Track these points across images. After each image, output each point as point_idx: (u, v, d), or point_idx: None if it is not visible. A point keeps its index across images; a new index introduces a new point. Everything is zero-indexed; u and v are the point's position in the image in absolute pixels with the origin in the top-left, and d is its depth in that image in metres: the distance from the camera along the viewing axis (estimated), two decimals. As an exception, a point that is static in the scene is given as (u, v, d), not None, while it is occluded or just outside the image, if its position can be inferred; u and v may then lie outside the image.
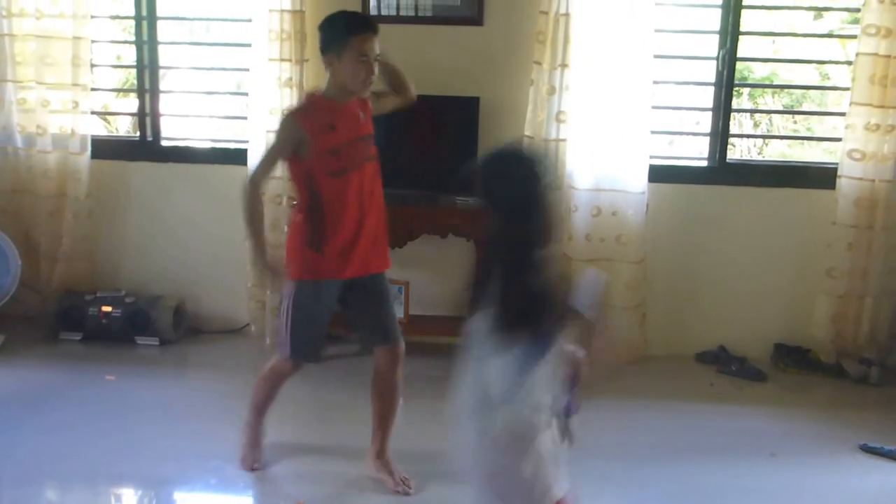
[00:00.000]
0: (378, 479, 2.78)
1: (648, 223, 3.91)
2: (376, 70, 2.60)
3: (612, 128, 3.81)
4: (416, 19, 3.98)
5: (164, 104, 4.33)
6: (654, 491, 2.84)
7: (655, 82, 3.85)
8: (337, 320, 2.84)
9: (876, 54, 3.68)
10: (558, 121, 3.80)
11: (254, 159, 3.96)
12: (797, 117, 5.85)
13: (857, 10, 3.83)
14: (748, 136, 5.74)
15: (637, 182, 3.84)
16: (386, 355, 2.78)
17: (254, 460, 2.84)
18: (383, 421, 2.81)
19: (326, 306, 2.70)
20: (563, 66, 3.74)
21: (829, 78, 5.32)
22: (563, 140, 3.82)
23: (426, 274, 4.15)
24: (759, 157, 5.66)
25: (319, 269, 2.65)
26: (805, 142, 5.66)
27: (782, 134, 5.85)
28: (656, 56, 3.79)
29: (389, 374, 2.80)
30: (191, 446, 3.02)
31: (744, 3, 3.91)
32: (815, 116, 5.61)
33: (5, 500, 2.71)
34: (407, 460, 2.89)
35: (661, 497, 2.81)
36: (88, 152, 4.14)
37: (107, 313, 4.03)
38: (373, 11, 3.96)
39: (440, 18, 3.97)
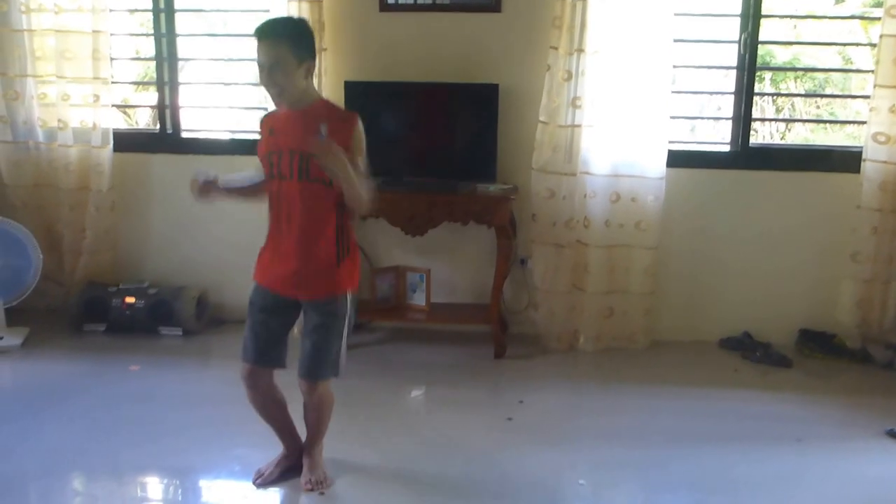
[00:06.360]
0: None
1: (671, 209, 3.90)
2: (270, 80, 2.40)
3: (630, 113, 3.79)
4: (433, 7, 3.97)
5: (184, 96, 4.35)
6: (677, 476, 2.82)
7: (675, 67, 3.82)
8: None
9: (900, 36, 3.63)
10: (574, 106, 3.78)
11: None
12: (820, 101, 5.77)
13: (881, -8, 3.77)
14: (771, 120, 5.68)
15: (656, 167, 3.82)
16: (300, 384, 2.64)
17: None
18: (308, 429, 2.73)
19: (261, 311, 2.61)
20: (580, 50, 3.72)
21: (851, 61, 5.25)
22: (579, 126, 3.80)
23: (447, 261, 4.16)
24: (782, 142, 5.60)
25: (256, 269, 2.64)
26: (828, 126, 5.60)
27: (805, 118, 5.77)
28: (676, 40, 3.75)
29: (305, 400, 2.66)
30: (214, 435, 3.05)
31: (765, -14, 3.87)
32: (838, 100, 5.54)
33: (32, 490, 2.74)
34: (423, 447, 2.92)
35: (685, 482, 2.79)
36: (110, 145, 4.18)
37: (130, 304, 4.06)
38: (390, 0, 3.95)
39: (458, 5, 3.95)
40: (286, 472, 2.74)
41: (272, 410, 2.71)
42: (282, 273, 2.55)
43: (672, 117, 3.84)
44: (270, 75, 2.40)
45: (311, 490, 2.64)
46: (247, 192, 2.69)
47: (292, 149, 2.46)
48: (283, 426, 2.76)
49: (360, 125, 2.50)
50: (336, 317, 2.57)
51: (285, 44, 2.39)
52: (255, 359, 2.60)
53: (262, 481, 2.71)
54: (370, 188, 2.48)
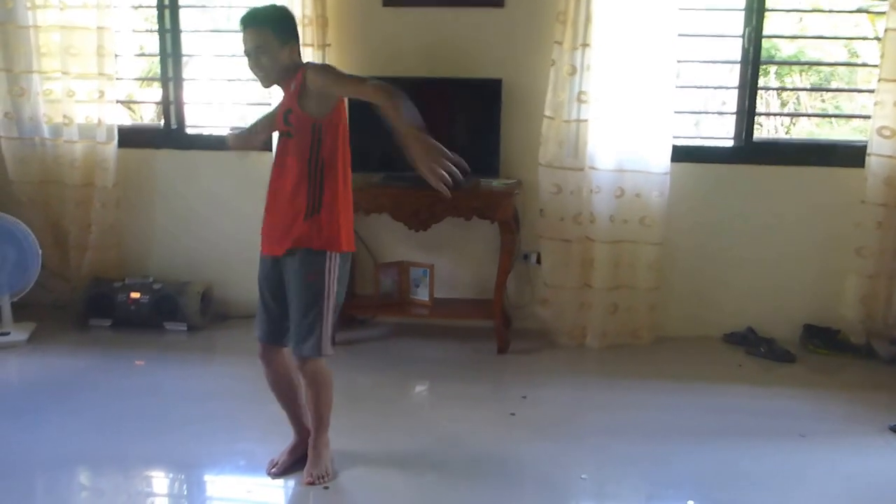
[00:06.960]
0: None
1: (675, 204, 3.89)
2: (257, 64, 2.51)
3: (635, 108, 3.78)
4: (436, 2, 3.97)
5: (188, 92, 4.36)
6: (680, 471, 2.82)
7: (680, 61, 3.81)
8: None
9: (905, 29, 3.61)
10: (579, 101, 3.78)
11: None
12: (825, 95, 5.75)
13: (887, -15, 3.75)
14: (775, 115, 5.67)
15: (660, 162, 3.81)
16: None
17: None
18: (309, 412, 2.71)
19: (264, 279, 2.67)
20: (585, 45, 3.71)
21: (857, 55, 5.23)
22: (585, 121, 3.80)
23: (451, 257, 4.16)
24: (787, 136, 5.59)
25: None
26: (833, 120, 5.58)
27: (810, 112, 5.76)
28: (680, 35, 3.75)
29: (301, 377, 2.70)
30: (219, 429, 3.06)
31: (770, -20, 3.86)
32: (844, 94, 5.52)
33: (37, 484, 2.75)
34: (426, 442, 2.93)
35: (688, 477, 2.78)
36: (115, 141, 4.19)
37: (135, 300, 4.09)
38: (394, -6, 3.96)
39: (461, 0, 3.95)
40: (298, 461, 2.74)
41: (284, 389, 2.76)
42: (266, 232, 2.64)
43: (676, 112, 3.83)
44: (256, 59, 2.52)
45: (312, 484, 2.65)
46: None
47: (281, 114, 2.58)
48: (292, 410, 2.79)
49: (315, 66, 2.58)
50: (307, 277, 2.52)
51: (268, 28, 2.50)
52: (263, 337, 2.70)
53: (277, 470, 2.72)
54: (385, 89, 2.49)
